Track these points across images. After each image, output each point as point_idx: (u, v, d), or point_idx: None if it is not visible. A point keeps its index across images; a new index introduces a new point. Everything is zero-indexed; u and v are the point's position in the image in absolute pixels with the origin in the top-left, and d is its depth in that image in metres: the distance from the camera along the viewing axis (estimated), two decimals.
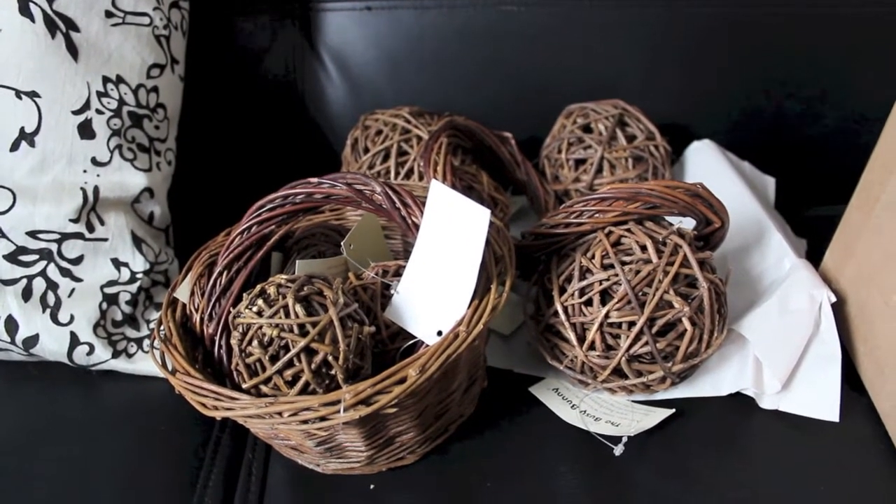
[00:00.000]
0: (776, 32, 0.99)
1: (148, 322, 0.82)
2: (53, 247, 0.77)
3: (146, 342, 0.81)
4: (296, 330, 0.58)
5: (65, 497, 0.68)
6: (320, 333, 0.58)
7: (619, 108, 0.94)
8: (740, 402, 0.73)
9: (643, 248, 0.68)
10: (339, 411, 0.55)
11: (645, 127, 0.94)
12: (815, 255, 0.84)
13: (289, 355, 0.58)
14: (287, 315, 0.58)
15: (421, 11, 1.00)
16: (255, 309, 0.59)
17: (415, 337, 0.64)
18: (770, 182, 1.02)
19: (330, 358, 0.58)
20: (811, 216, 0.98)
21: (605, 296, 0.68)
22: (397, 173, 0.89)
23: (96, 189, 0.78)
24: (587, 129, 0.94)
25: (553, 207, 0.95)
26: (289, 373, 0.58)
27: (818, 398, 0.71)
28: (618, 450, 0.67)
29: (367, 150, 0.92)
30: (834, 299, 0.74)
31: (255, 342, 0.59)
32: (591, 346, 0.69)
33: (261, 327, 0.58)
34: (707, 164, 0.99)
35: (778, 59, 1.01)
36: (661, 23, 1.00)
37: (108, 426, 0.75)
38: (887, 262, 0.69)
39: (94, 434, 0.74)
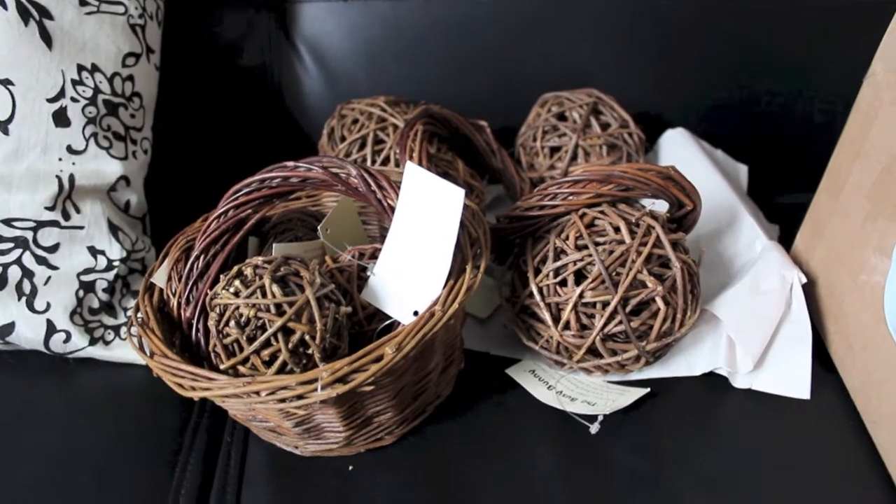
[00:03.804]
0: (749, 23, 1.00)
1: (125, 310, 0.82)
2: (29, 235, 0.76)
3: (123, 329, 0.81)
4: (272, 310, 0.58)
5: (43, 484, 0.68)
6: (297, 313, 0.58)
7: (594, 96, 0.95)
8: (714, 382, 0.74)
9: (616, 230, 0.69)
10: (316, 389, 0.55)
11: (619, 115, 0.95)
12: (786, 241, 0.85)
13: (266, 335, 0.58)
14: (264, 295, 0.59)
15: (397, 2, 1.00)
16: (231, 290, 0.59)
17: (391, 318, 0.64)
18: (742, 169, 1.03)
19: (307, 337, 0.58)
20: (782, 203, 0.99)
21: (580, 276, 0.69)
22: (373, 161, 0.90)
23: (72, 177, 0.78)
24: (562, 117, 0.95)
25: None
26: (266, 353, 0.59)
27: (789, 376, 0.72)
28: (594, 428, 0.68)
29: (343, 139, 0.93)
30: (805, 280, 0.76)
31: (232, 323, 0.59)
32: (566, 326, 0.69)
33: (238, 308, 0.59)
34: (680, 151, 1.01)
35: (750, 49, 1.02)
36: (636, 13, 1.01)
37: (85, 413, 0.75)
38: (854, 243, 0.71)
39: (71, 421, 0.74)
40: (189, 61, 1.00)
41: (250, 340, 0.59)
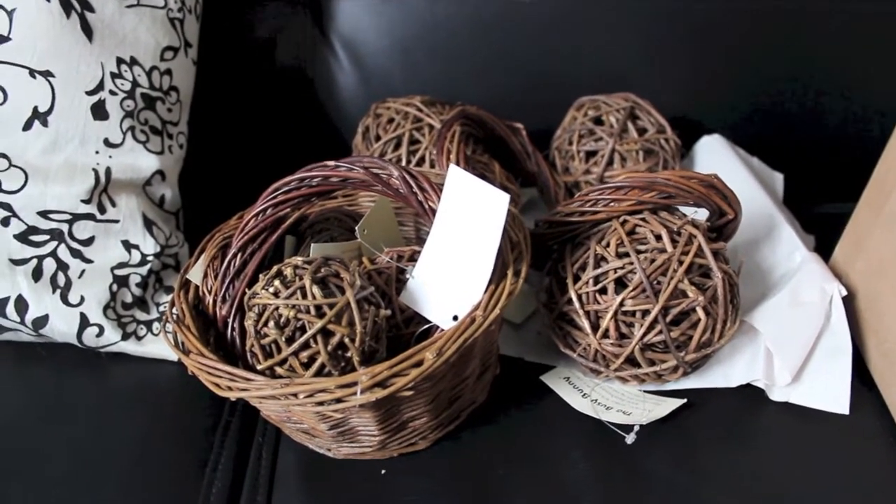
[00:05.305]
0: (787, 27, 0.99)
1: (158, 305, 0.82)
2: (64, 227, 0.76)
3: (156, 325, 0.80)
4: (312, 311, 0.57)
5: (73, 479, 0.68)
6: (337, 315, 0.58)
7: (631, 101, 0.94)
8: (751, 394, 0.73)
9: (658, 238, 0.68)
10: (355, 393, 0.54)
11: (656, 120, 0.94)
12: (822, 252, 0.84)
13: (305, 336, 0.57)
14: (304, 296, 0.58)
15: (433, 1, 0.99)
16: (271, 290, 0.59)
17: (429, 322, 0.64)
18: (778, 178, 1.02)
19: (346, 340, 0.58)
20: (818, 213, 0.98)
21: (620, 284, 0.68)
22: (409, 161, 0.89)
23: (108, 170, 0.78)
24: (598, 121, 0.94)
25: (563, 199, 0.95)
26: (304, 354, 0.58)
27: (828, 391, 0.71)
28: (630, 438, 0.67)
29: (378, 138, 0.92)
30: (845, 293, 0.74)
31: (270, 323, 0.58)
32: (605, 334, 0.68)
33: (277, 308, 0.58)
34: (716, 158, 0.99)
35: (788, 54, 1.01)
36: (673, 16, 1.00)
37: (117, 409, 0.75)
38: None
39: (102, 416, 0.74)
40: (225, 57, 0.99)
41: (289, 342, 0.58)
